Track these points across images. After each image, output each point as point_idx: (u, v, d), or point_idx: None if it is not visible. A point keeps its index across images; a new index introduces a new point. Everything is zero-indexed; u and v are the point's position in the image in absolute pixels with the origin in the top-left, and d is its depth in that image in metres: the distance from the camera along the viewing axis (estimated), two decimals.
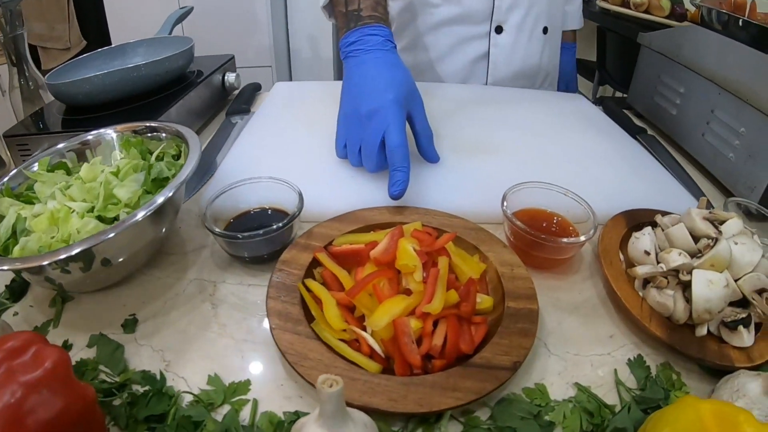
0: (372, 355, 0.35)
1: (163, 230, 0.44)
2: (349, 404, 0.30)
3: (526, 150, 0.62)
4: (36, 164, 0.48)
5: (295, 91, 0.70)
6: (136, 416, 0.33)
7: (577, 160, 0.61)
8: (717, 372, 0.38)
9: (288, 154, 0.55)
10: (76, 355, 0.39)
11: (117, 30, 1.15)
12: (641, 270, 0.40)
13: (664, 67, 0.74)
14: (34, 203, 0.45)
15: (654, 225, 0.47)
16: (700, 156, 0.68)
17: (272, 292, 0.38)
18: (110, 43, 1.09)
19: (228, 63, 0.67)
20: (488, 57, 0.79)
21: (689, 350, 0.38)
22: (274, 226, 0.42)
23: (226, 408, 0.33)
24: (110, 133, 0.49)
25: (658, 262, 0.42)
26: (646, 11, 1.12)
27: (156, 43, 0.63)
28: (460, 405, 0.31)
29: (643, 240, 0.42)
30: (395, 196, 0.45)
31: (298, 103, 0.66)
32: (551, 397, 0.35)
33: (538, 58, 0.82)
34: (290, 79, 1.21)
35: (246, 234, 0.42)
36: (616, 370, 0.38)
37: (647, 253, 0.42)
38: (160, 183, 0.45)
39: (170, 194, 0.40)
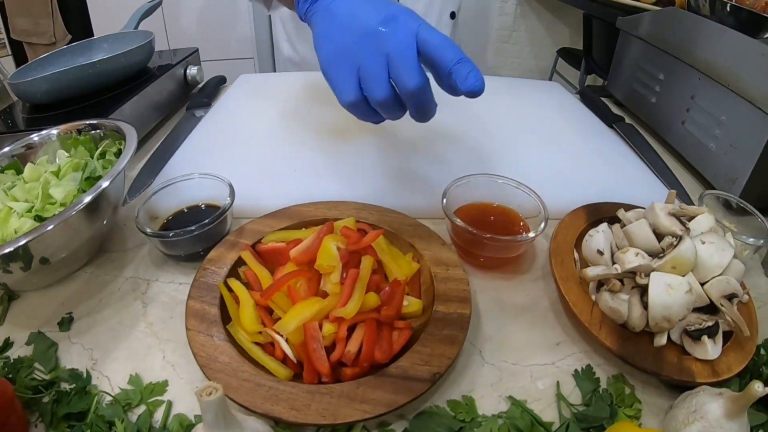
0: (286, 360, 0.30)
1: (101, 226, 0.40)
2: (252, 411, 0.26)
3: (488, 140, 0.55)
4: None
5: (258, 83, 0.64)
6: (58, 414, 0.30)
7: (543, 151, 0.54)
8: (678, 386, 0.31)
9: (238, 148, 0.50)
10: (16, 352, 0.36)
11: (100, 23, 1.11)
12: (592, 272, 0.33)
13: (644, 53, 0.65)
14: None
15: (616, 220, 0.40)
16: (680, 146, 0.59)
17: (194, 291, 0.34)
18: (93, 35, 1.05)
19: (191, 56, 0.62)
20: None
21: (643, 362, 0.31)
22: (206, 221, 0.37)
23: (142, 408, 0.30)
24: (54, 133, 0.45)
25: (613, 263, 0.35)
26: None
27: (120, 39, 0.58)
28: (366, 418, 0.26)
29: (597, 238, 0.35)
30: (475, 87, 0.30)
31: (257, 95, 0.61)
32: (479, 412, 0.29)
33: None
34: (274, 70, 1.14)
35: (177, 232, 0.37)
36: (558, 382, 0.32)
37: (600, 252, 0.35)
38: (94, 182, 0.41)
39: (99, 191, 0.36)
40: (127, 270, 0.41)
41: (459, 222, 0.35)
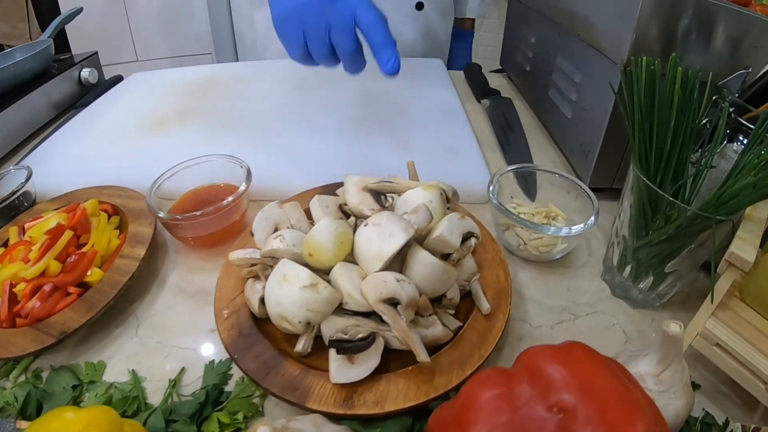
0: None
1: None
2: None
3: (314, 122, 0.49)
4: None
5: (144, 81, 0.66)
6: None
7: (372, 131, 0.46)
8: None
9: (75, 142, 0.51)
10: None
11: (73, 25, 1.15)
12: (233, 255, 0.27)
13: (521, 17, 0.51)
14: None
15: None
16: (546, 118, 0.46)
17: None
18: (67, 38, 1.09)
19: (88, 59, 0.67)
20: None
21: (247, 363, 0.25)
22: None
23: None
24: None
25: None
26: None
27: (34, 46, 0.61)
28: (10, 357, 0.28)
29: (257, 218, 0.29)
30: (393, 72, 0.35)
31: (130, 93, 0.61)
32: (104, 377, 0.28)
33: (410, 35, 0.65)
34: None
35: None
36: (184, 368, 0.27)
37: (251, 233, 0.28)
38: None
39: None
40: None
41: (160, 213, 0.32)
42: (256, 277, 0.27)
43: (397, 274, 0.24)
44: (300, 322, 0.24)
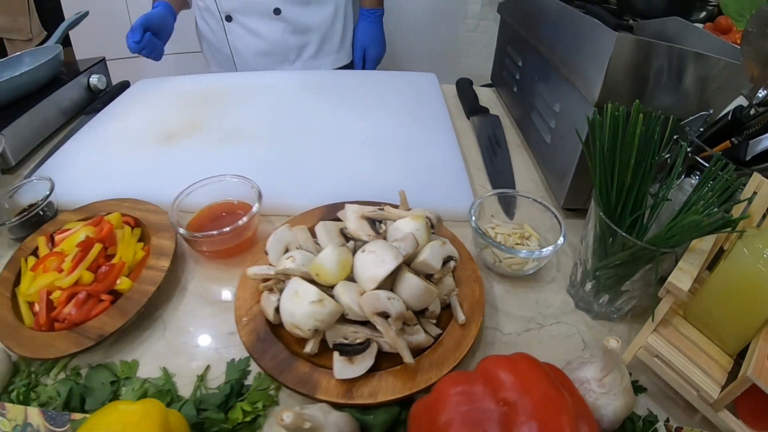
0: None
1: None
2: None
3: (308, 139, 0.53)
4: None
5: (152, 88, 0.69)
6: None
7: (362, 149, 0.51)
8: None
9: (90, 151, 0.55)
10: None
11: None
12: (250, 270, 0.33)
13: (510, 38, 0.55)
14: None
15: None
16: (529, 138, 0.51)
17: (9, 264, 0.42)
18: (69, 36, 1.10)
19: (96, 65, 0.70)
20: (228, 43, 0.82)
21: (265, 361, 0.30)
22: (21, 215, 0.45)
23: None
24: None
25: None
26: None
27: (43, 52, 0.63)
28: (54, 358, 0.33)
29: (270, 238, 0.34)
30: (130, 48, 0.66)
31: (137, 101, 0.65)
32: (137, 374, 0.33)
33: (279, 36, 0.78)
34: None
35: (10, 221, 0.46)
36: (209, 366, 0.33)
37: (266, 252, 0.34)
38: None
39: None
40: None
41: (183, 231, 0.37)
42: (271, 289, 0.33)
43: (388, 292, 0.29)
44: (309, 330, 0.30)
